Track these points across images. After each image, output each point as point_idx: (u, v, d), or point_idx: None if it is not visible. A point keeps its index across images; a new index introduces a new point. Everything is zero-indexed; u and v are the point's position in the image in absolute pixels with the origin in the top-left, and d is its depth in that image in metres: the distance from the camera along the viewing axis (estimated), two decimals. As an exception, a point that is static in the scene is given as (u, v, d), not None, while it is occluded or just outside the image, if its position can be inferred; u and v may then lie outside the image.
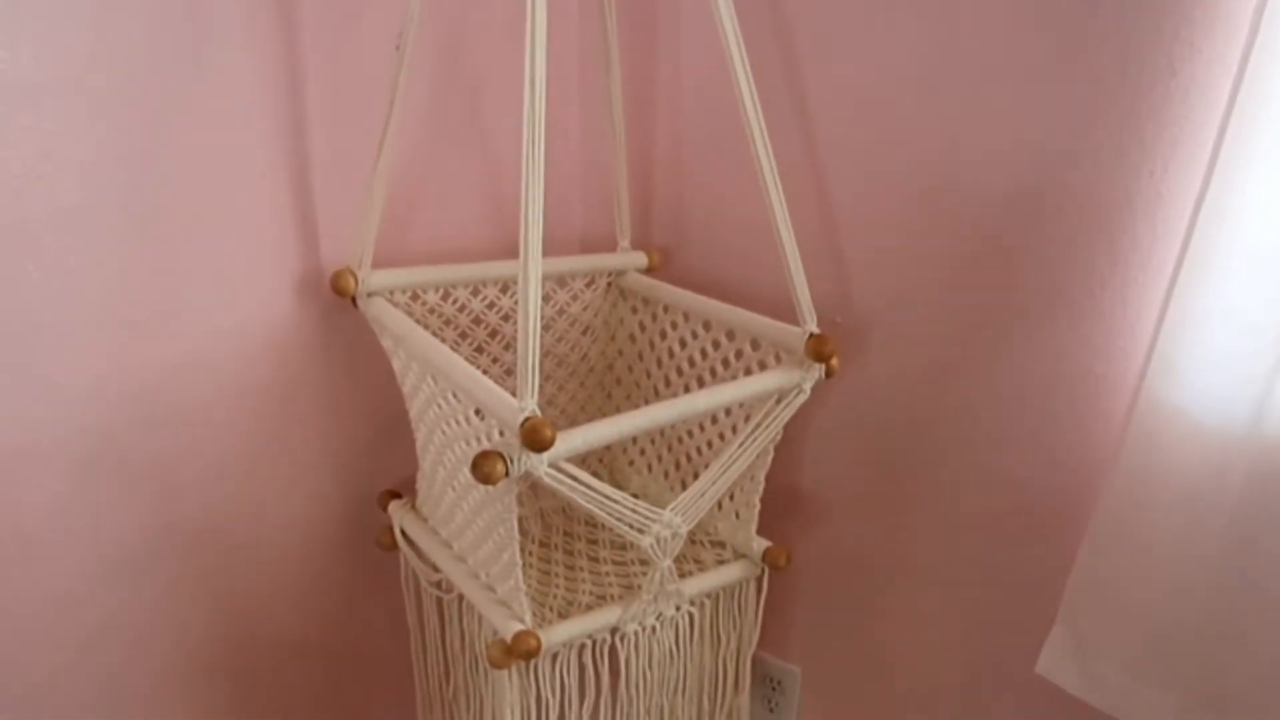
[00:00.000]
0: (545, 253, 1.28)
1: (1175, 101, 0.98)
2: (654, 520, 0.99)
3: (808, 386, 1.04)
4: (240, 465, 1.11)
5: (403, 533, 1.18)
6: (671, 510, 1.01)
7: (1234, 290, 0.94)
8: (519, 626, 0.98)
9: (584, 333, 1.31)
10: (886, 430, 1.29)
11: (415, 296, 1.16)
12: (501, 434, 0.88)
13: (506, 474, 0.85)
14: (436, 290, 1.17)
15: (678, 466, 1.26)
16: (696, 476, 1.16)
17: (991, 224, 1.13)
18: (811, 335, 1.03)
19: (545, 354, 1.29)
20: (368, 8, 1.08)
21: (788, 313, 1.18)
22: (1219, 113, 0.95)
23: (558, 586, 1.15)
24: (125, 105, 0.92)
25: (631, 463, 1.34)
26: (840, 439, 1.35)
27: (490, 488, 0.92)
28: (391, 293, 1.13)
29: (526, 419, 0.84)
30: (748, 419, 1.06)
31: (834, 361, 1.05)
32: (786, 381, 1.03)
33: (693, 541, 1.22)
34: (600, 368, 1.35)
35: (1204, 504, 1.00)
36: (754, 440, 1.04)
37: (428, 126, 1.21)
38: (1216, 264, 0.95)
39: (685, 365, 1.23)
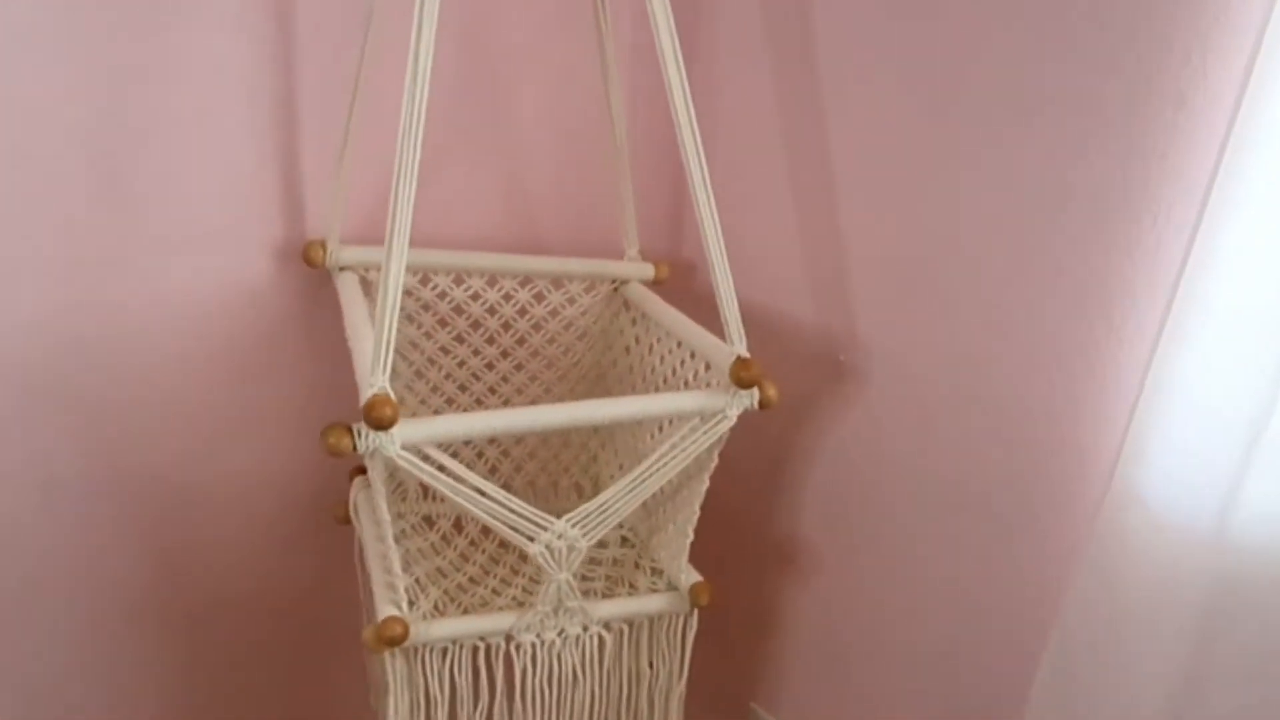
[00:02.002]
0: (564, 253, 1.29)
1: (1180, 137, 0.85)
2: (544, 528, 0.95)
3: (733, 413, 0.96)
4: (200, 418, 1.16)
5: (356, 509, 1.18)
6: (567, 520, 0.96)
7: (1204, 370, 0.79)
8: (392, 611, 0.96)
9: (580, 338, 1.28)
10: (877, 483, 1.19)
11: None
12: (373, 410, 0.87)
13: (354, 449, 0.84)
14: (414, 273, 1.17)
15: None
16: (670, 495, 1.12)
17: (992, 270, 1.02)
18: (738, 358, 0.95)
19: (534, 354, 1.27)
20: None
21: (814, 340, 1.16)
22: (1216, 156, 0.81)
23: (486, 587, 1.12)
24: (96, 46, 0.98)
25: (612, 477, 1.29)
26: (836, 487, 1.26)
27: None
28: (366, 270, 1.15)
29: (373, 395, 0.82)
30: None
31: (770, 392, 0.97)
32: (708, 404, 0.96)
33: (636, 566, 1.16)
34: (592, 375, 1.31)
35: (1169, 603, 0.86)
36: (668, 461, 0.97)
37: (444, 111, 1.21)
38: (1191, 339, 0.81)
39: (661, 382, 1.17)
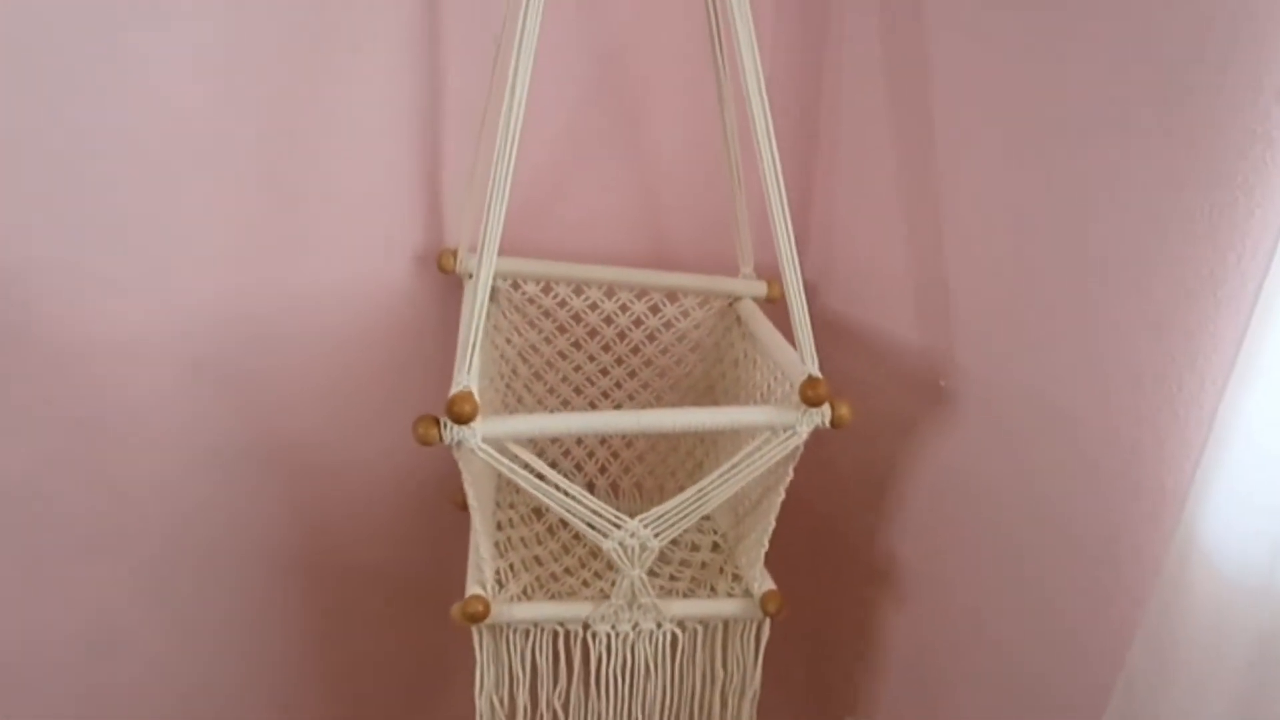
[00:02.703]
0: (690, 268, 1.35)
1: (1270, 173, 0.82)
2: (618, 526, 1.02)
3: (803, 430, 1.00)
4: (342, 400, 1.30)
5: (471, 495, 1.29)
6: (639, 520, 1.02)
7: (1267, 415, 0.77)
8: (476, 590, 1.05)
9: (692, 350, 1.34)
10: (970, 508, 1.20)
11: (516, 285, 1.27)
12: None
13: (441, 440, 0.94)
14: (537, 283, 1.27)
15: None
16: (754, 505, 1.16)
17: (1085, 302, 1.01)
18: (808, 377, 0.98)
19: (647, 363, 1.34)
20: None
21: (918, 363, 1.21)
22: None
23: (577, 578, 1.20)
24: (268, 71, 1.13)
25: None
26: (932, 509, 1.26)
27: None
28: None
29: (456, 391, 0.92)
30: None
31: (842, 411, 0.99)
32: (776, 420, 1.00)
33: (720, 571, 1.20)
34: (702, 386, 1.36)
35: (1223, 652, 0.84)
36: (739, 472, 1.02)
37: (582, 128, 1.31)
38: (1256, 382, 0.79)
39: (758, 397, 1.21)
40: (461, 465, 1.00)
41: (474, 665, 1.42)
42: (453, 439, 0.93)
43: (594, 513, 1.01)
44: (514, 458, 0.97)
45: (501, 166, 0.91)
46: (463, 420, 0.92)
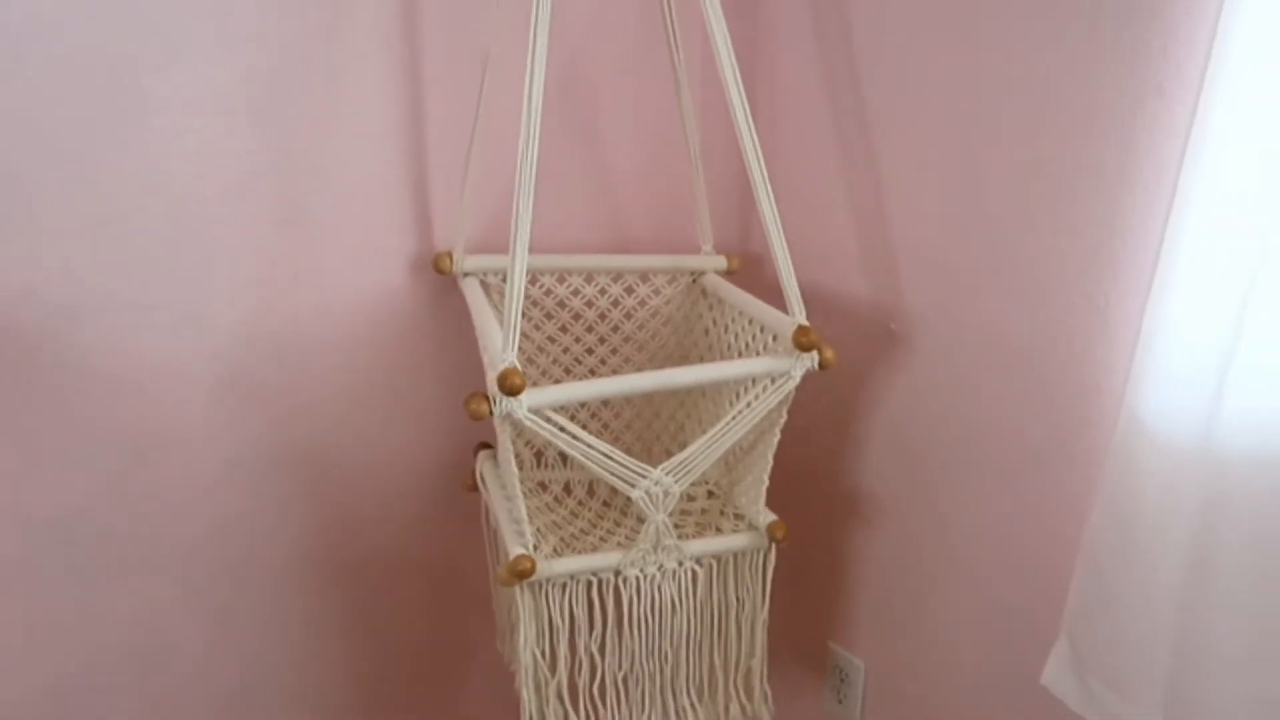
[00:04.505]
0: (649, 251, 1.49)
1: (1162, 122, 1.01)
2: (643, 476, 1.15)
3: (797, 374, 1.15)
4: (354, 403, 1.39)
5: (482, 477, 1.40)
6: (661, 470, 1.15)
7: (1184, 314, 0.96)
8: (520, 550, 1.17)
9: (665, 324, 1.48)
10: (927, 436, 1.36)
11: (505, 279, 1.38)
12: (502, 383, 1.07)
13: (491, 413, 1.05)
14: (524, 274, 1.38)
15: (726, 447, 1.38)
16: (749, 449, 1.30)
17: (1015, 243, 1.19)
18: (798, 326, 1.14)
19: (626, 339, 1.47)
20: (480, 33, 1.31)
21: (869, 314, 1.36)
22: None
23: (595, 536, 1.33)
24: (272, 116, 1.22)
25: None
26: (893, 442, 1.43)
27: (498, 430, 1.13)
28: (484, 274, 1.37)
29: (504, 368, 1.03)
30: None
31: (828, 354, 1.15)
32: (775, 367, 1.15)
33: (721, 513, 1.35)
34: (676, 356, 1.51)
35: (1167, 519, 1.01)
36: (743, 417, 1.16)
37: (544, 137, 1.42)
38: (1173, 290, 0.97)
39: (736, 355, 1.36)
40: (500, 437, 1.11)
41: (495, 641, 1.54)
42: (502, 411, 1.05)
43: (624, 466, 1.14)
44: (554, 424, 1.09)
45: (526, 168, 1.03)
46: (513, 392, 1.03)
